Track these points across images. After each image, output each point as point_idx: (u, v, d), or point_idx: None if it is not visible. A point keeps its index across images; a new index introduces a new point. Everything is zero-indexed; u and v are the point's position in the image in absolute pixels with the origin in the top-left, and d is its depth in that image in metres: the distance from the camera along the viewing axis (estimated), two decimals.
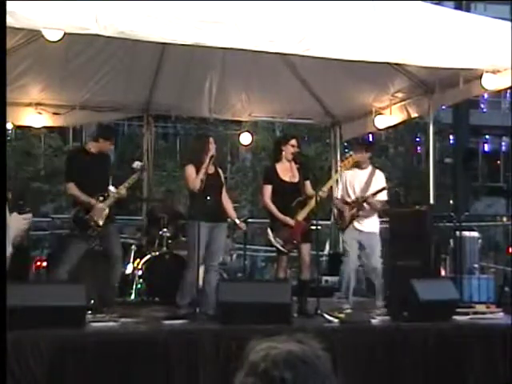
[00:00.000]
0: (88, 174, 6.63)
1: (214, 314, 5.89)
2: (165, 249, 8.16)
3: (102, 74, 8.54)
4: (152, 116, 10.02)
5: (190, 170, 6.43)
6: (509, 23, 5.88)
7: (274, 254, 7.97)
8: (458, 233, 8.80)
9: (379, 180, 7.44)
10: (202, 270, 6.40)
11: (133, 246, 8.35)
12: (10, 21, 4.41)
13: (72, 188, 6.67)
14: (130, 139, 19.78)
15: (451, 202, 16.08)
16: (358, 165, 7.34)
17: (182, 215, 8.26)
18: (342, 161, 8.05)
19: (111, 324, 5.51)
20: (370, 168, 7.49)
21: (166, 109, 9.82)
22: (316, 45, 5.21)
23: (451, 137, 19.27)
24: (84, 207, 6.61)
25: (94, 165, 6.74)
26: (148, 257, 8.05)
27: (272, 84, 8.93)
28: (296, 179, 6.81)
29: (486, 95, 20.63)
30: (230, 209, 6.76)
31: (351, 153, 7.70)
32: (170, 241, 8.26)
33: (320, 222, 7.41)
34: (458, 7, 15.76)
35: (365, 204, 7.22)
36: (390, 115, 8.70)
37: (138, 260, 8.11)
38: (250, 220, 9.83)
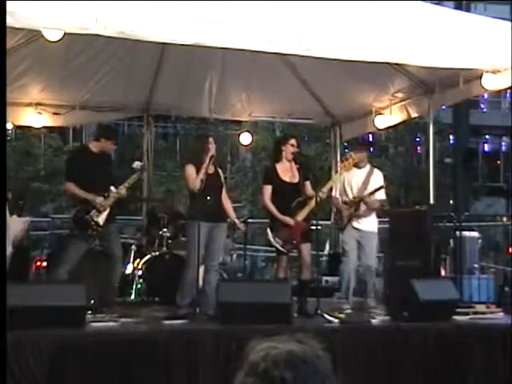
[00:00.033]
0: (90, 174, 6.62)
1: (214, 314, 5.89)
2: (165, 249, 8.15)
3: (102, 74, 8.54)
4: (152, 116, 10.00)
5: (190, 169, 6.43)
6: (509, 23, 5.88)
7: (273, 254, 7.97)
8: (457, 233, 8.79)
9: (377, 179, 7.43)
10: (201, 269, 6.40)
11: (133, 246, 8.34)
12: (10, 21, 4.43)
13: (71, 186, 6.66)
14: (130, 139, 19.75)
15: (451, 202, 16.07)
16: (356, 164, 7.34)
17: (182, 215, 8.25)
18: (342, 161, 8.04)
19: (111, 324, 5.51)
20: (368, 167, 7.49)
21: (166, 109, 9.81)
22: (316, 45, 5.21)
23: (451, 137, 19.26)
24: (83, 205, 6.59)
25: (96, 164, 6.74)
26: (148, 257, 8.05)
27: (272, 84, 8.93)
28: (296, 179, 6.81)
29: (486, 95, 20.63)
30: (229, 209, 6.76)
31: (351, 153, 7.71)
32: (169, 241, 8.25)
33: (320, 222, 7.40)
34: (458, 7, 15.76)
35: (362, 203, 7.22)
36: (390, 115, 8.68)
37: (138, 260, 8.10)
38: (249, 220, 9.83)
